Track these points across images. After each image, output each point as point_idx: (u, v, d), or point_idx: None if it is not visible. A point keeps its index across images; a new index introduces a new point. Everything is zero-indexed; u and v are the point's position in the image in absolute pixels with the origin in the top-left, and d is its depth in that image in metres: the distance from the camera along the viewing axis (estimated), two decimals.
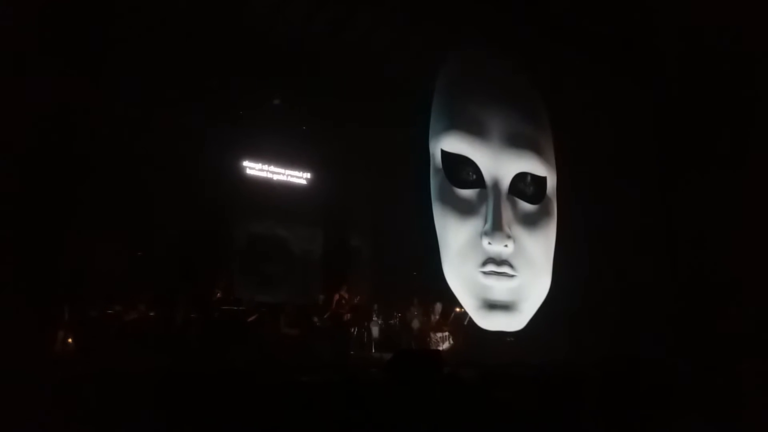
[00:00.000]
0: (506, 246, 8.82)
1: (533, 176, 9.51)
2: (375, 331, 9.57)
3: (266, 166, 10.95)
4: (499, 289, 8.89)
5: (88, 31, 7.12)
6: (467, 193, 9.14)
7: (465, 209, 9.06)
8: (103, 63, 7.61)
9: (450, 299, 9.20)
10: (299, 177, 11.26)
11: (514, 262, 8.95)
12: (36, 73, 6.32)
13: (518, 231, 9.11)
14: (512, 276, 8.92)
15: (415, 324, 9.42)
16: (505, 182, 9.18)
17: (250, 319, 8.62)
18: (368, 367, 7.61)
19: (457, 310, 9.47)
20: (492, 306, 8.86)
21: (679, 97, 9.81)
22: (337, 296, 9.27)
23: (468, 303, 9.05)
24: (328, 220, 11.44)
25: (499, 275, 8.85)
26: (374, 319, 9.63)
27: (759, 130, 8.78)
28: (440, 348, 8.99)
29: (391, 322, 9.81)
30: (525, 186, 9.45)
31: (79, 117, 7.14)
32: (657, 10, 9.16)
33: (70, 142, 6.97)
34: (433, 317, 9.60)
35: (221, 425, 3.64)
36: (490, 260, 8.80)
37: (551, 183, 9.75)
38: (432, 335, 9.35)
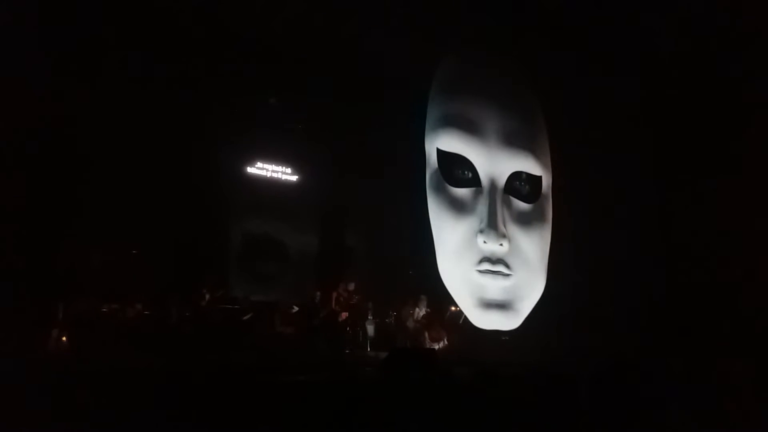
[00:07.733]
0: (501, 245, 8.84)
1: (529, 175, 9.53)
2: (370, 329, 9.57)
3: (262, 164, 10.94)
4: (495, 288, 8.91)
5: (89, 30, 7.10)
6: (463, 191, 9.15)
7: (460, 208, 9.08)
8: (102, 62, 7.60)
9: (445, 298, 9.21)
10: (295, 176, 11.25)
11: (509, 261, 8.97)
12: (36, 73, 6.30)
13: (513, 230, 9.13)
14: (507, 275, 8.94)
15: (411, 323, 9.42)
16: (501, 181, 9.20)
17: (244, 318, 8.62)
18: (364, 366, 7.61)
19: (453, 308, 9.48)
20: (487, 305, 8.87)
21: (677, 97, 9.82)
22: (332, 295, 9.26)
23: (463, 302, 9.07)
24: (324, 218, 11.44)
25: (495, 274, 8.87)
26: (369, 317, 9.62)
27: (758, 131, 8.80)
28: (435, 347, 8.99)
29: (387, 320, 9.81)
30: (520, 185, 9.47)
31: (77, 117, 7.13)
32: (655, 10, 9.17)
33: (68, 142, 6.96)
34: (428, 316, 9.59)
35: (216, 423, 3.64)
36: (486, 259, 8.82)
37: (546, 182, 9.77)
38: (427, 334, 9.35)
